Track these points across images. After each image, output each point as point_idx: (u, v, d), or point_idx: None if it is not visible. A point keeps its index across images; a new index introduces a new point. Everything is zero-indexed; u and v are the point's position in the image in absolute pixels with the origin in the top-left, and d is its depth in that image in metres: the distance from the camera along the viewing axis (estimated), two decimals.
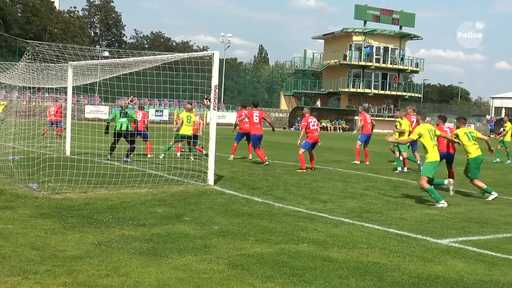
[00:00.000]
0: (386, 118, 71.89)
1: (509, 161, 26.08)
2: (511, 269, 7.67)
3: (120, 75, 17.77)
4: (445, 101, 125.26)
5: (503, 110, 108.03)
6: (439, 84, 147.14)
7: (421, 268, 7.47)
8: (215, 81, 13.91)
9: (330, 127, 67.79)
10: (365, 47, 75.12)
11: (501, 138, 26.85)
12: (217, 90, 13.97)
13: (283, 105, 79.18)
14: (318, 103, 75.75)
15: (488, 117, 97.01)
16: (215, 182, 14.15)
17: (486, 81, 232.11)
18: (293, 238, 8.78)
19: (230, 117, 59.98)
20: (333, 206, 11.98)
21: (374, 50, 75.50)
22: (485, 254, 8.45)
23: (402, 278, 6.98)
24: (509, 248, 8.87)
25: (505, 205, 13.37)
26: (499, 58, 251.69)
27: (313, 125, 18.47)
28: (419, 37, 79.59)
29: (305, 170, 17.90)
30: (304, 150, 18.26)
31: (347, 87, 75.13)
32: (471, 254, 8.39)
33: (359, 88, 75.36)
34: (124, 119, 18.24)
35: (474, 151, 14.38)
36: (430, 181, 12.91)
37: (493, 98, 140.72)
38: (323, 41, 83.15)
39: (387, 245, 8.66)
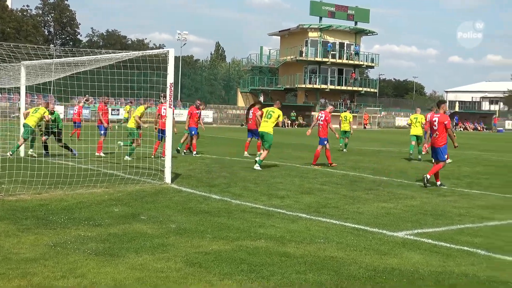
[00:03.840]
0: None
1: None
2: (465, 260, 7.80)
3: (74, 74, 17.56)
4: (400, 95, 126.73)
5: (457, 104, 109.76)
6: (394, 79, 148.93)
7: (377, 261, 7.56)
8: (170, 78, 13.84)
9: (288, 123, 68.00)
10: (327, 44, 75.58)
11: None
12: (172, 88, 13.92)
13: (240, 102, 79.24)
14: (261, 99, 76.14)
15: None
16: (172, 180, 14.09)
17: (440, 75, 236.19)
18: (251, 235, 8.80)
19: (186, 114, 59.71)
20: (290, 202, 12.03)
21: (328, 46, 75.95)
22: (439, 245, 8.58)
23: (358, 272, 7.04)
24: (463, 239, 9.02)
25: (459, 197, 13.60)
26: (452, 53, 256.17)
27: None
28: (374, 32, 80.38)
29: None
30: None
31: (304, 83, 75.51)
32: (426, 246, 8.51)
33: (316, 84, 75.81)
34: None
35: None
36: None
37: (447, 92, 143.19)
38: (279, 37, 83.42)
39: (344, 239, 8.73)
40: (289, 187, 14.11)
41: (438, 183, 15.36)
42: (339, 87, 77.26)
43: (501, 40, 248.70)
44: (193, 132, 21.83)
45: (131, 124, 19.55)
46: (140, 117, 19.23)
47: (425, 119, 23.16)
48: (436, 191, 14.33)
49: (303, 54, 74.93)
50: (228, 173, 16.37)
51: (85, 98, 58.69)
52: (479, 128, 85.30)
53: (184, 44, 77.85)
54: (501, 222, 10.66)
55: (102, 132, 21.00)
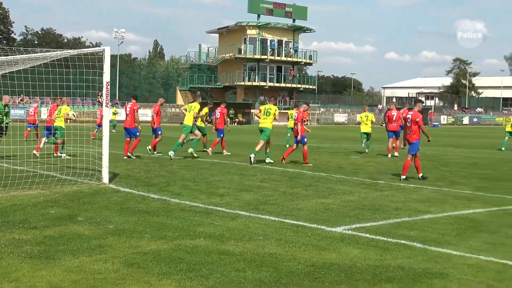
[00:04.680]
0: (282, 110, 72.69)
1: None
2: (402, 253, 7.95)
3: (7, 73, 17.15)
4: (339, 92, 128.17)
5: (394, 100, 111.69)
6: (332, 75, 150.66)
7: (316, 257, 7.63)
8: (107, 77, 13.68)
9: (227, 121, 67.80)
10: (270, 42, 75.88)
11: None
12: (109, 87, 13.75)
13: (179, 100, 78.83)
14: (198, 94, 75.81)
15: (380, 106, 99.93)
16: (110, 180, 13.93)
17: (377, 72, 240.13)
18: (190, 234, 8.76)
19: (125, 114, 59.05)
20: (229, 199, 12.04)
21: (269, 43, 76.31)
22: (377, 239, 8.72)
23: (297, 268, 7.10)
24: (400, 233, 9.19)
25: (396, 191, 13.85)
26: (388, 49, 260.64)
27: None
28: (311, 29, 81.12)
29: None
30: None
31: (243, 81, 75.64)
32: (364, 241, 8.64)
33: (255, 81, 76.08)
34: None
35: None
36: None
37: (384, 88, 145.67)
38: (217, 35, 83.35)
39: (283, 236, 8.79)
40: (229, 185, 14.12)
41: (420, 175, 16.17)
42: (278, 84, 77.71)
43: (436, 37, 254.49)
44: (159, 132, 21.83)
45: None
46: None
47: (400, 116, 24.31)
48: (373, 186, 14.56)
49: (242, 52, 75.05)
50: (167, 172, 16.27)
51: (20, 98, 57.71)
52: None
53: (121, 42, 76.75)
54: (436, 215, 10.89)
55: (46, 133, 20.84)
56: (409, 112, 16.41)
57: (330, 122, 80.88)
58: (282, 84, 78.10)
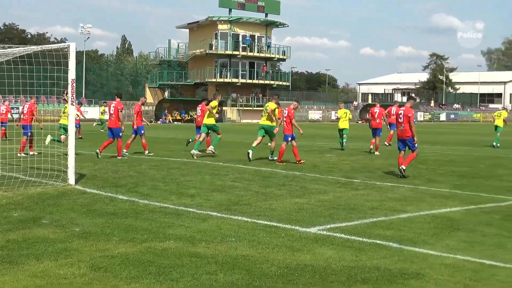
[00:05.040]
0: (255, 108, 72.84)
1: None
2: (377, 253, 8.00)
3: None
4: (313, 88, 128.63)
5: (370, 96, 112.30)
6: (306, 71, 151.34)
7: (290, 258, 7.64)
8: (72, 74, 13.58)
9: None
10: (244, 38, 75.90)
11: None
12: (74, 84, 13.65)
13: (149, 97, 78.45)
14: (166, 94, 76.06)
15: (355, 103, 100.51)
16: (76, 181, 13.83)
17: (352, 68, 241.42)
18: (159, 236, 8.73)
19: (93, 112, 58.76)
20: (201, 200, 12.02)
21: (241, 39, 76.30)
22: (352, 240, 8.76)
23: (271, 270, 7.11)
24: (375, 233, 9.25)
25: (372, 190, 13.93)
26: (363, 44, 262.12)
27: None
28: (284, 24, 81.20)
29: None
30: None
31: (214, 77, 75.52)
32: (339, 241, 8.68)
33: (227, 77, 76.00)
34: None
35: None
36: None
37: (359, 84, 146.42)
38: (187, 30, 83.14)
39: (256, 237, 8.79)
40: (200, 185, 14.09)
41: (403, 167, 16.34)
42: (250, 81, 77.77)
43: (412, 31, 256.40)
44: (142, 132, 21.77)
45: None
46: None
47: (390, 113, 26.51)
48: (349, 185, 14.63)
49: (213, 48, 74.92)
50: (136, 172, 16.21)
51: None
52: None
53: (87, 38, 76.35)
54: (412, 214, 10.98)
55: (28, 132, 20.72)
56: (401, 108, 16.84)
57: (305, 119, 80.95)
58: (255, 81, 78.15)
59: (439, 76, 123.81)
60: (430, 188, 14.32)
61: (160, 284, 6.50)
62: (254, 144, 20.41)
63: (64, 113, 20.85)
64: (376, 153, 23.82)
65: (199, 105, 23.98)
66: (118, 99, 20.74)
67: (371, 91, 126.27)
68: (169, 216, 10.31)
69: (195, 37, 79.24)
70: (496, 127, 31.27)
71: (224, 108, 68.82)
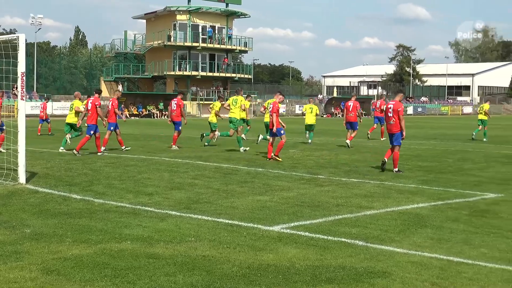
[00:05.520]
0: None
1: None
2: (343, 251, 8.05)
3: None
4: (276, 81, 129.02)
5: (335, 89, 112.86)
6: (269, 64, 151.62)
7: (252, 258, 7.65)
8: (22, 67, 13.39)
9: (157, 114, 67.51)
10: (206, 29, 75.64)
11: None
12: (24, 78, 13.47)
13: (104, 91, 77.77)
14: (120, 88, 75.63)
15: (320, 96, 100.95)
16: (27, 180, 13.68)
17: (317, 60, 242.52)
18: (115, 236, 8.68)
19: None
20: (159, 198, 11.97)
21: (200, 30, 76.04)
22: (317, 238, 8.81)
23: (232, 270, 7.11)
24: (341, 231, 9.31)
25: (336, 186, 14.01)
26: (328, 35, 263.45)
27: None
28: (246, 15, 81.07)
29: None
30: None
31: (173, 70, 75.18)
32: (303, 239, 8.71)
33: (186, 70, 75.66)
34: None
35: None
36: None
37: (324, 77, 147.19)
38: (144, 21, 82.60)
39: (217, 237, 8.79)
40: (158, 183, 14.04)
41: (395, 169, 16.57)
42: (211, 74, 77.62)
43: (377, 22, 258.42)
44: (111, 128, 21.68)
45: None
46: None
47: (376, 106, 28.44)
48: (313, 182, 14.70)
49: (172, 39, 74.50)
50: (91, 170, 16.08)
51: None
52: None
53: (39, 29, 75.22)
54: (379, 210, 11.08)
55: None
56: (390, 102, 17.08)
57: None
58: (216, 74, 78.02)
59: (406, 68, 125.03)
60: (396, 184, 14.48)
61: (116, 287, 6.46)
62: (230, 133, 22.77)
63: (70, 110, 23.04)
64: (347, 141, 24.61)
65: (174, 99, 23.76)
66: (96, 95, 21.03)
67: (336, 83, 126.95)
68: (126, 215, 10.25)
69: (152, 28, 78.69)
70: (483, 121, 32.08)
71: (184, 102, 68.53)
